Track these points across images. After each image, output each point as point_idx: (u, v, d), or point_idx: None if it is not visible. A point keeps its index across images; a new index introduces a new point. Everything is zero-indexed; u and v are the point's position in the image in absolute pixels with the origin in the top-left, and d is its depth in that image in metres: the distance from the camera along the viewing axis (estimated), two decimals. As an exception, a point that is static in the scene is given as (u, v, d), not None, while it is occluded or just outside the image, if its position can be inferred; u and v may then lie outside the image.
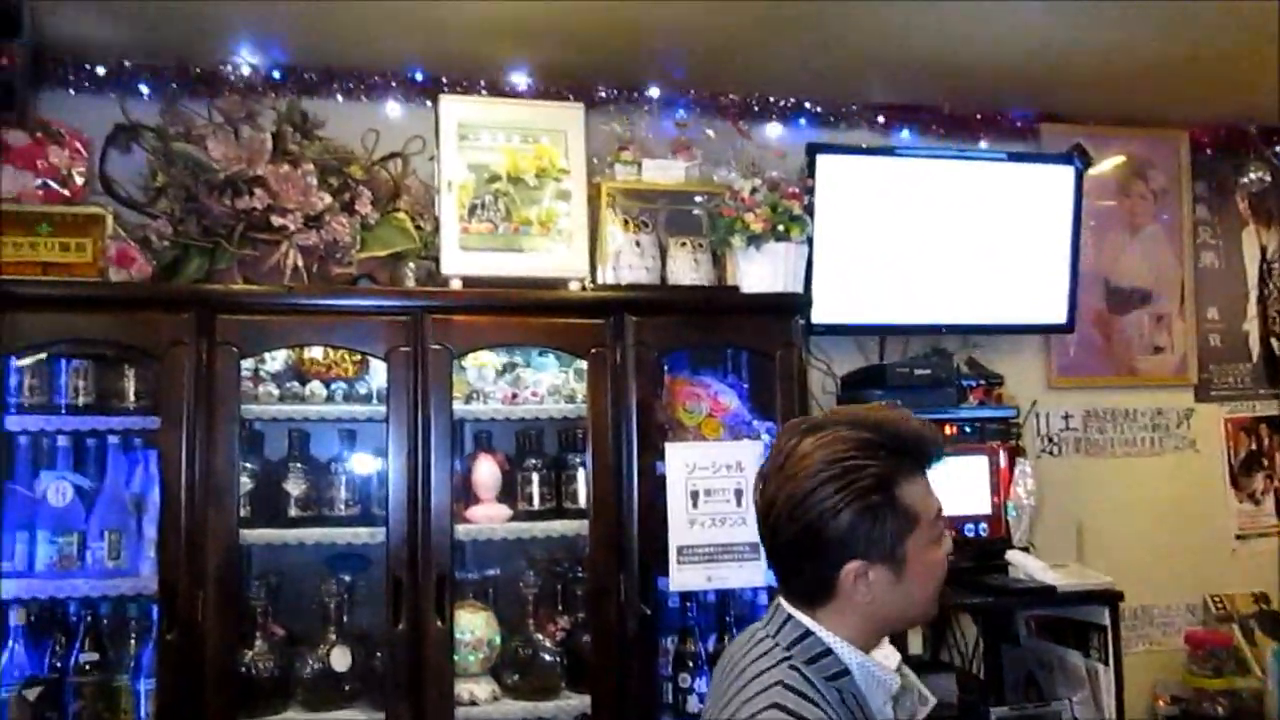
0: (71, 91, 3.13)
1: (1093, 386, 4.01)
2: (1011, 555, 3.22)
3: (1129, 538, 3.84)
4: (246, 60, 3.12)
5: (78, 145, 2.85)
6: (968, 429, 3.43)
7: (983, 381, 3.57)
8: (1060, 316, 3.75)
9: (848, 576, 1.38)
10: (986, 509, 3.34)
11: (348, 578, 2.90)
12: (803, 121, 3.62)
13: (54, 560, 2.71)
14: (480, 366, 3.01)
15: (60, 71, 3.11)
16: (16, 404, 2.73)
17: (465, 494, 2.95)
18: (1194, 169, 4.16)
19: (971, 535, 3.30)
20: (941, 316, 3.59)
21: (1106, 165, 4.00)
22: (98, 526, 2.75)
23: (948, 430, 3.38)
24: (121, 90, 3.10)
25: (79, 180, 2.83)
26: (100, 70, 3.12)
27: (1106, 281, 4.04)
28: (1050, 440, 3.96)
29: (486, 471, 2.97)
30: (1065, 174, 3.70)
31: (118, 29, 2.98)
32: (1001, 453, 3.37)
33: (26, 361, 2.74)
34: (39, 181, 2.79)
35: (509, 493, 2.99)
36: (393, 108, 3.29)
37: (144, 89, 3.14)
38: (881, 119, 3.71)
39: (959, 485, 3.30)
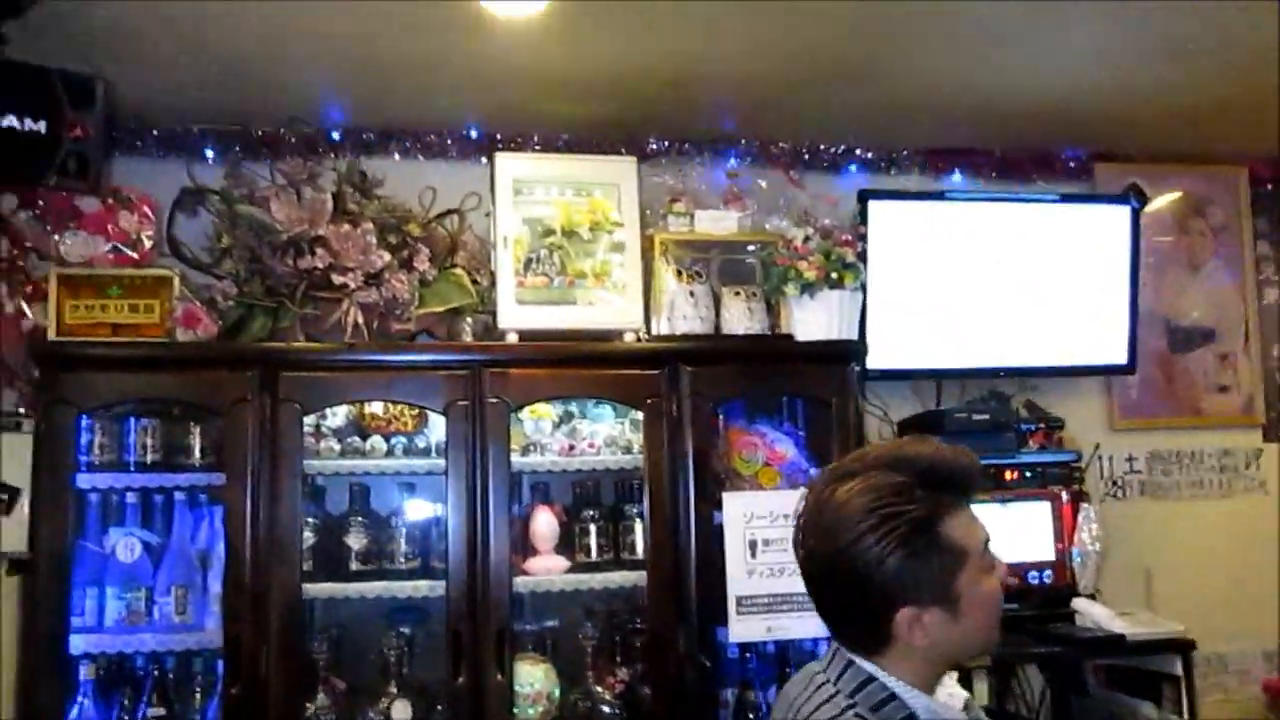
0: (139, 156, 3.24)
1: (1156, 428, 3.93)
2: (1078, 603, 3.16)
3: (1199, 583, 3.74)
4: (307, 122, 3.20)
5: (146, 210, 2.95)
6: (1029, 474, 3.38)
7: (1042, 425, 3.51)
8: (1121, 357, 3.70)
9: (902, 623, 1.35)
10: (1050, 555, 3.29)
11: (408, 630, 2.92)
12: (853, 168, 3.63)
13: (122, 615, 2.77)
14: (537, 418, 3.04)
15: (129, 137, 3.22)
16: (87, 462, 2.80)
17: (523, 546, 2.96)
18: (1254, 204, 4.09)
19: (1035, 583, 3.25)
20: (998, 359, 3.55)
21: (1163, 202, 3.95)
22: (165, 582, 2.81)
23: (1008, 475, 3.34)
24: (187, 154, 3.21)
25: (147, 244, 2.93)
26: (167, 135, 3.23)
27: (1167, 321, 3.97)
28: (1114, 484, 3.89)
29: (544, 523, 2.98)
30: (1121, 214, 3.66)
31: (184, 95, 3.08)
32: (1064, 497, 3.32)
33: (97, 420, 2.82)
34: (109, 246, 2.89)
35: (567, 544, 3.00)
36: (449, 165, 3.36)
37: (209, 152, 3.24)
38: (932, 163, 3.70)
39: (1021, 532, 3.25)
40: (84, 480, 2.76)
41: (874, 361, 3.30)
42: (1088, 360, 3.68)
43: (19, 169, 2.88)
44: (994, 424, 3.37)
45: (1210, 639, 3.46)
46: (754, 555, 2.87)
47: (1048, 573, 3.26)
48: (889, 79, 3.09)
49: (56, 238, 2.91)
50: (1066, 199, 3.67)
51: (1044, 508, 3.31)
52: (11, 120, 2.62)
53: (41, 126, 2.73)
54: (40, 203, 2.98)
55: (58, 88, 2.65)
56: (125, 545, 2.80)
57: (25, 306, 2.93)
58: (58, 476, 2.70)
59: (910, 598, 1.34)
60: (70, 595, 2.68)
